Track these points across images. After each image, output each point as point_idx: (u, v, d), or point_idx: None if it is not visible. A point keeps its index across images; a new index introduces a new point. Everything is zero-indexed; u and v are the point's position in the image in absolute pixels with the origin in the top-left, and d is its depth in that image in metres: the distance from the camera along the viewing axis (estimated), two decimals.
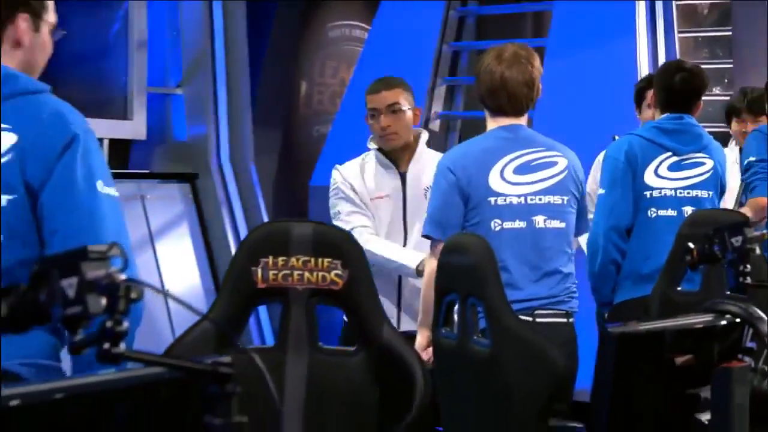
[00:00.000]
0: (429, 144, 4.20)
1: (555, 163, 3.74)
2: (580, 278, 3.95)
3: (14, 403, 1.22)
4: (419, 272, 3.91)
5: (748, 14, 6.57)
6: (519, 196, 3.68)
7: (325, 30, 8.13)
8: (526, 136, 3.77)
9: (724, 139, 6.45)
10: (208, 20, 7.08)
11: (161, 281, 6.64)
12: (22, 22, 2.45)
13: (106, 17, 6.86)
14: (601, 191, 4.44)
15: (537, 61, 3.77)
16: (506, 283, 3.32)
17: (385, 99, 4.10)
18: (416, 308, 3.86)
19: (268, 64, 7.62)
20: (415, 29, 7.25)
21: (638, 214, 4.35)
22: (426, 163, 4.13)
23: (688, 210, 4.33)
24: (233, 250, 5.16)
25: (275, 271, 2.54)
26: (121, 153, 6.90)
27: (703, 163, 4.44)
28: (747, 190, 4.94)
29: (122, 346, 1.29)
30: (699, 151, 4.44)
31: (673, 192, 4.38)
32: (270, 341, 6.61)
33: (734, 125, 5.68)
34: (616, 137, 4.85)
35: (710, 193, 4.44)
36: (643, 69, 6.41)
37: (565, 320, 3.70)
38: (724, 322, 2.02)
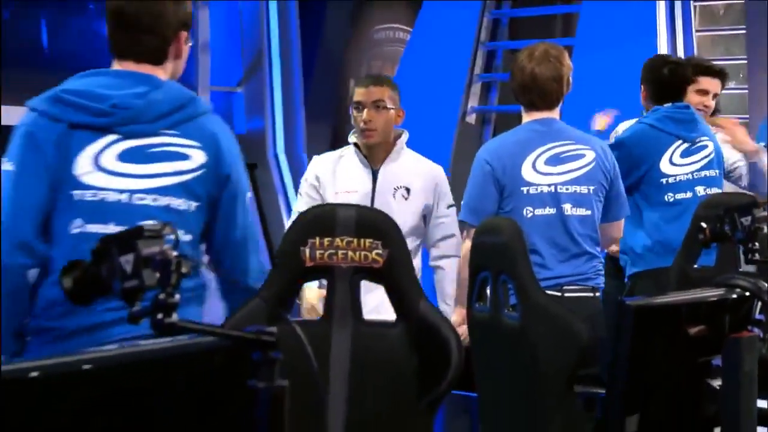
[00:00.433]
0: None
1: (583, 155, 3.73)
2: None
3: (86, 367, 1.22)
4: None
5: (761, 14, 6.50)
6: (549, 185, 3.68)
7: (371, 32, 8.12)
8: (558, 129, 3.76)
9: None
10: (264, 24, 7.11)
11: None
12: (183, 37, 2.54)
13: None
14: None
15: (567, 59, 3.76)
16: (537, 264, 3.33)
17: (371, 94, 3.88)
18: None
19: (319, 64, 7.64)
20: (453, 31, 7.23)
21: (656, 196, 4.32)
22: (403, 163, 3.93)
23: (700, 189, 4.34)
24: None
25: (321, 251, 2.53)
26: None
27: (706, 146, 4.43)
28: None
29: (174, 317, 1.29)
30: (701, 136, 4.42)
31: (687, 176, 4.37)
32: None
33: None
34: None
35: (717, 171, 4.46)
36: None
37: (591, 294, 3.71)
38: (734, 296, 2.00)
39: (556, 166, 3.69)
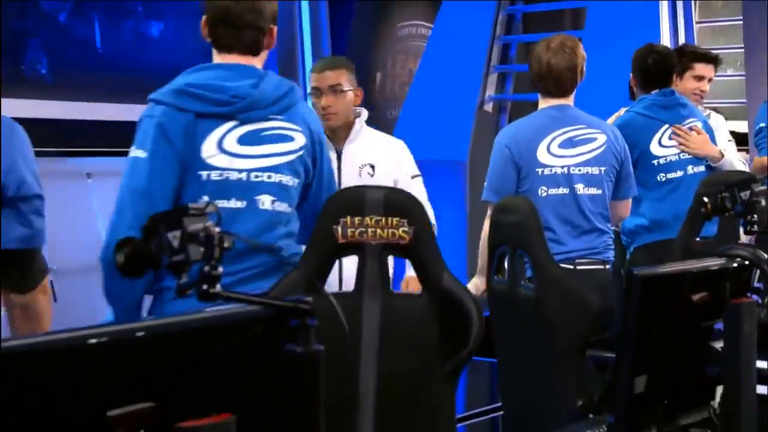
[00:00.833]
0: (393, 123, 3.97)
1: (594, 139, 3.73)
2: None
3: (140, 334, 1.23)
4: None
5: (757, 5, 6.45)
6: (562, 167, 3.68)
7: (395, 29, 8.10)
8: (572, 115, 3.75)
9: (741, 113, 6.32)
10: (296, 20, 7.09)
11: None
12: (274, 31, 2.64)
13: None
14: None
15: (581, 50, 3.76)
16: (551, 239, 3.33)
17: (327, 79, 3.69)
18: None
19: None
20: (470, 26, 7.20)
21: (650, 179, 4.28)
22: (365, 141, 3.77)
23: (690, 168, 4.30)
24: None
25: (352, 229, 2.53)
26: None
27: (695, 127, 4.38)
28: (758, 149, 4.88)
29: (218, 287, 1.30)
30: (688, 117, 4.37)
31: (675, 156, 4.33)
32: None
33: None
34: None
35: None
36: None
37: (602, 267, 3.71)
38: (735, 265, 1.99)
39: (569, 149, 3.69)
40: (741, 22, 6.77)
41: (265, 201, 2.57)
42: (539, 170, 3.67)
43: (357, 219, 2.53)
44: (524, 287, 3.15)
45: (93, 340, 1.17)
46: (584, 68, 3.73)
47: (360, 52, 7.79)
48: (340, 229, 2.53)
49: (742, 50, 6.82)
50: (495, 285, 3.27)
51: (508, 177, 3.68)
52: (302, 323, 1.28)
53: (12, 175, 2.45)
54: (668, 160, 4.34)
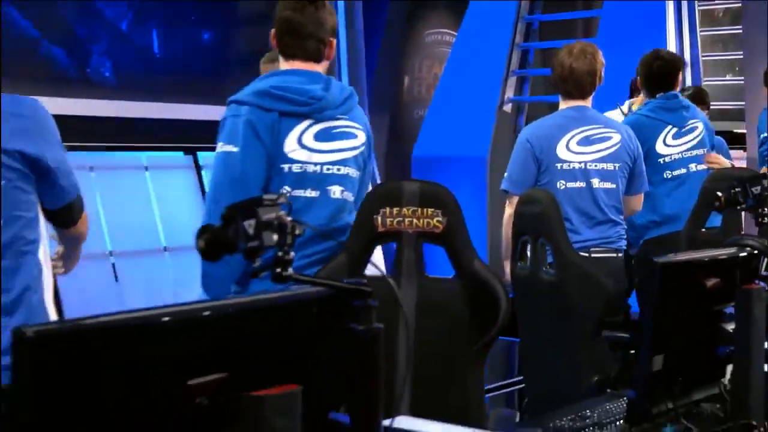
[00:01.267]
0: None
1: (610, 137, 3.73)
2: None
3: (206, 313, 1.24)
4: None
5: (755, 15, 6.39)
6: (580, 162, 3.67)
7: (423, 36, 8.10)
8: (590, 115, 3.75)
9: (738, 114, 6.27)
10: None
11: None
12: (333, 43, 2.70)
13: None
14: None
15: (600, 56, 3.76)
16: (568, 229, 3.32)
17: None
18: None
19: (380, 62, 7.62)
20: (491, 34, 7.17)
21: (656, 178, 4.24)
22: None
23: (692, 166, 4.28)
24: None
25: (391, 219, 2.54)
26: None
27: (696, 128, 4.36)
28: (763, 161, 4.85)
29: (290, 270, 1.31)
30: (690, 119, 4.34)
31: (679, 155, 4.31)
32: None
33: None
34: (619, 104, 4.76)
35: (706, 150, 4.37)
36: None
37: (615, 255, 3.70)
38: (744, 254, 1.98)
39: (586, 146, 3.68)
40: (740, 31, 6.72)
41: (336, 191, 2.63)
42: (558, 165, 3.67)
43: (395, 209, 2.55)
44: (545, 272, 3.16)
45: (166, 318, 1.17)
46: (602, 73, 3.73)
47: (390, 56, 7.80)
48: (379, 218, 2.55)
49: (740, 57, 6.77)
50: (518, 270, 3.28)
51: (528, 170, 3.68)
52: (365, 304, 1.29)
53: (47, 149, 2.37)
54: (673, 158, 4.31)
